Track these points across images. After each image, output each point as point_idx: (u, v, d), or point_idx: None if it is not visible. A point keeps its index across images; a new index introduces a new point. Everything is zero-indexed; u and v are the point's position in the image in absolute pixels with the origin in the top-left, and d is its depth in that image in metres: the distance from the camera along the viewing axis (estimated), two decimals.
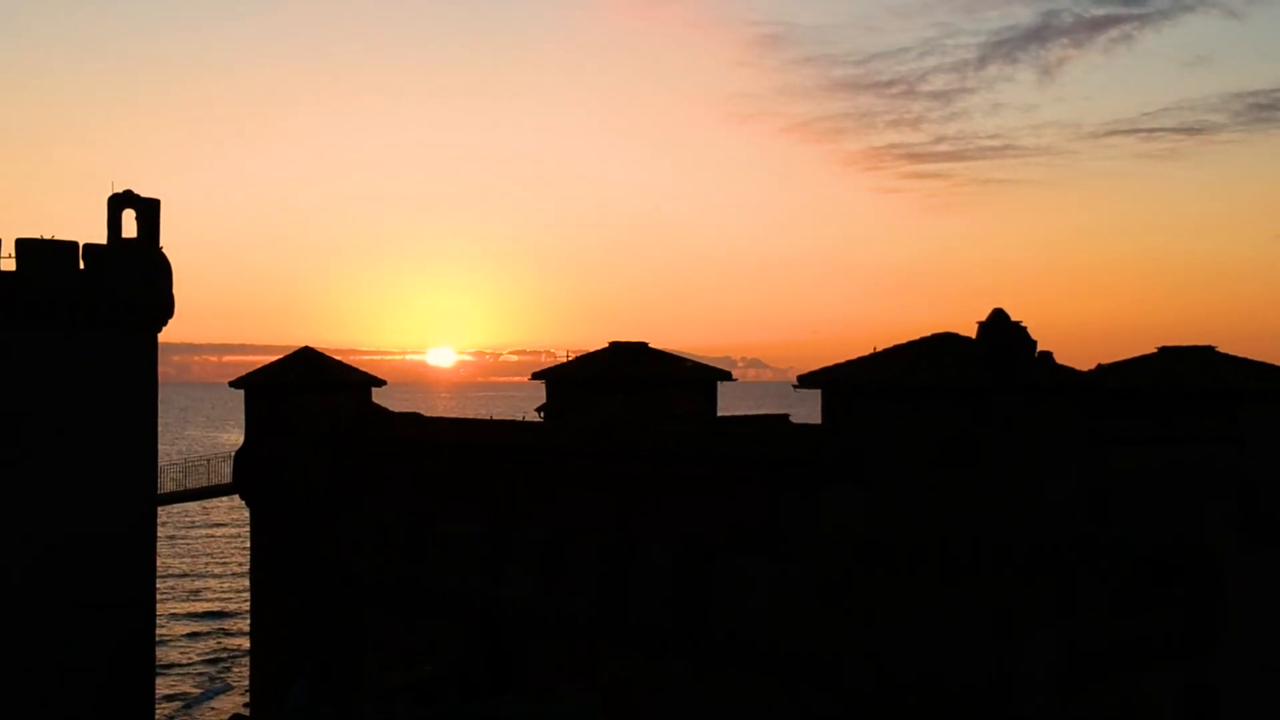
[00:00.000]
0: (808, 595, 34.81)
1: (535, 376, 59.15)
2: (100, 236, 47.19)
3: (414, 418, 51.32)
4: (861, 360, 33.89)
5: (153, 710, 49.28)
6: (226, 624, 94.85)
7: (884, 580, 32.09)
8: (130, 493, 47.55)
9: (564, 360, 56.54)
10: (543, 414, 57.68)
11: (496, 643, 44.44)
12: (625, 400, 50.02)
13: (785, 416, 53.47)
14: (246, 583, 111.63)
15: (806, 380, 34.61)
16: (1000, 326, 31.28)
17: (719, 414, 57.48)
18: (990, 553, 30.71)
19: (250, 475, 52.21)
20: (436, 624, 46.47)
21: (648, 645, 39.46)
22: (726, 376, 57.89)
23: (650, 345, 58.26)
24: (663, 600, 38.78)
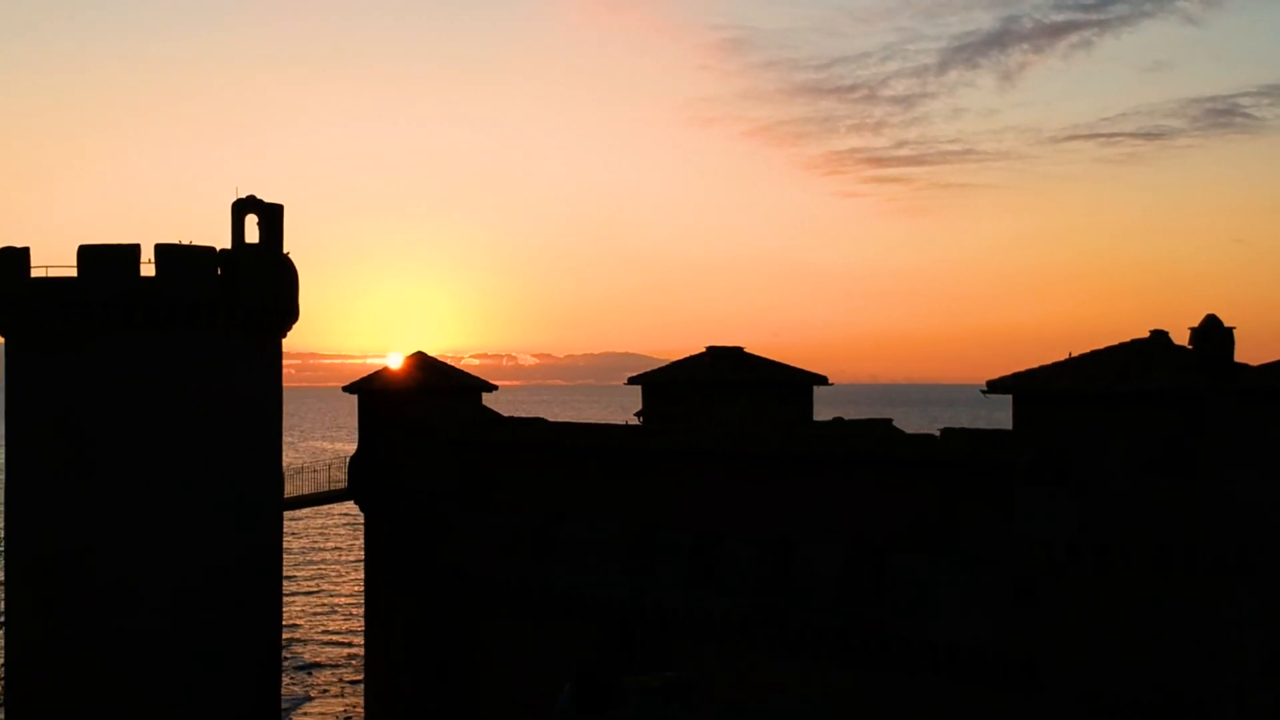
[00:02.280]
0: (1000, 597, 35.37)
1: (631, 381, 59.58)
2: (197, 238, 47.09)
3: (537, 422, 51.53)
4: (1058, 366, 34.49)
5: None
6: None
7: (1090, 583, 32.66)
8: (263, 498, 47.48)
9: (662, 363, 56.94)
10: (641, 418, 58.09)
11: (636, 644, 44.72)
12: (749, 404, 50.53)
13: (888, 421, 54.13)
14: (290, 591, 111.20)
15: (997, 385, 35.20)
16: (1214, 332, 31.98)
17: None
18: (1207, 556, 31.35)
19: (366, 479, 52.26)
20: (565, 625, 46.75)
21: (810, 646, 39.85)
22: (822, 381, 58.48)
23: (745, 350, 58.85)
24: (829, 601, 39.19)
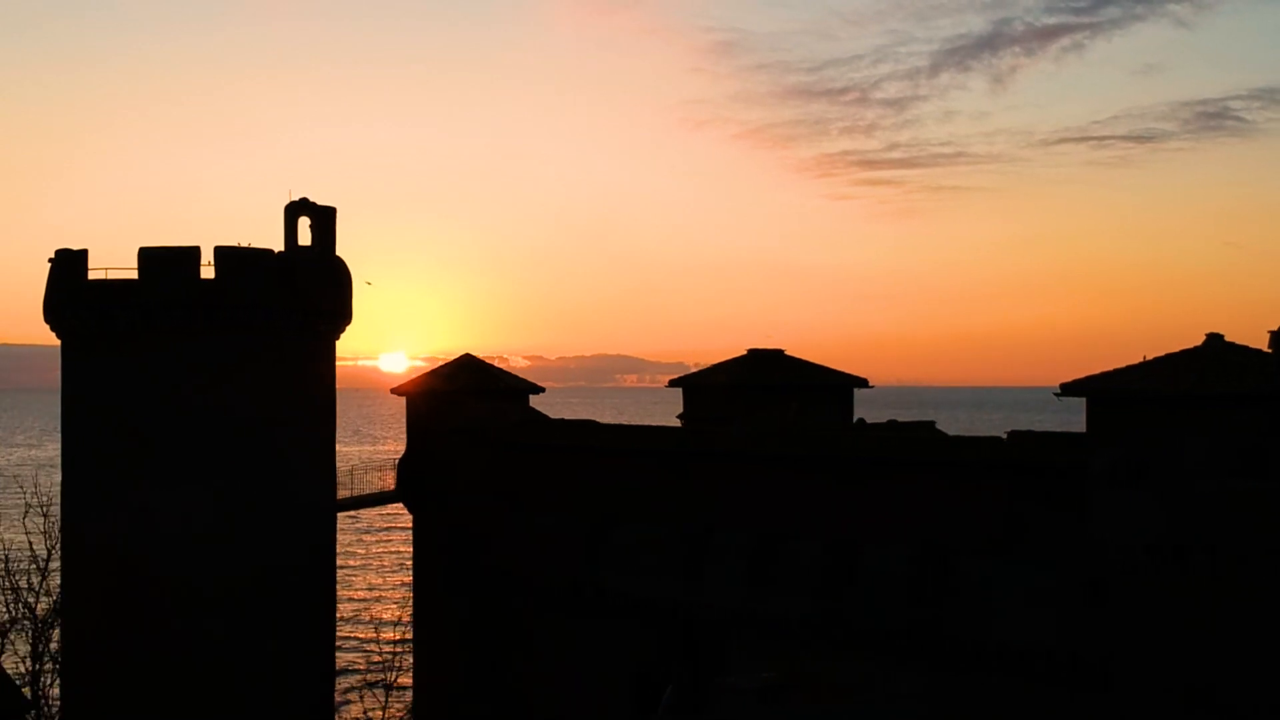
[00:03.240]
0: (1071, 599, 35.69)
1: (673, 384, 59.89)
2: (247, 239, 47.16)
3: (588, 424, 51.80)
4: (1131, 369, 34.79)
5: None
6: None
7: (1168, 585, 32.98)
8: (318, 499, 47.72)
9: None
10: (683, 421, 58.35)
11: (691, 646, 44.93)
12: (800, 406, 50.82)
13: (931, 423, 54.46)
14: None
15: (1071, 388, 35.50)
16: None
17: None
18: None
19: (415, 482, 52.46)
20: (618, 627, 46.98)
21: (875, 648, 40.08)
22: (863, 384, 58.84)
23: (786, 352, 59.21)
24: (895, 603, 39.45)
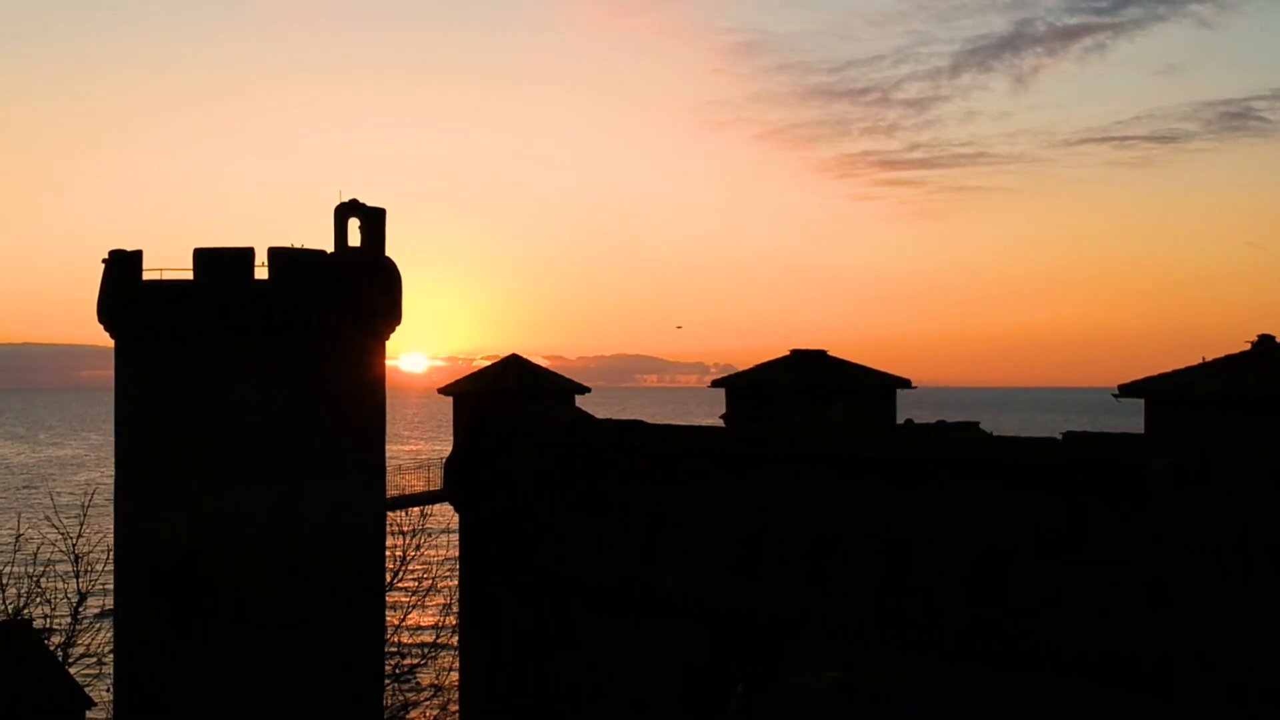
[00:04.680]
0: (1131, 600, 35.77)
1: (715, 385, 60.12)
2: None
3: (637, 424, 51.98)
4: (1190, 371, 34.82)
5: None
6: None
7: (1230, 585, 33.05)
8: (369, 498, 48.03)
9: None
10: (726, 422, 58.52)
11: (745, 645, 45.06)
12: (844, 406, 50.92)
13: (975, 423, 54.49)
14: None
15: (1130, 390, 35.57)
16: None
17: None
18: None
19: (463, 482, 52.72)
20: (667, 627, 47.18)
21: (933, 648, 40.19)
22: (906, 384, 58.94)
23: (829, 353, 59.34)
24: (953, 603, 39.55)
